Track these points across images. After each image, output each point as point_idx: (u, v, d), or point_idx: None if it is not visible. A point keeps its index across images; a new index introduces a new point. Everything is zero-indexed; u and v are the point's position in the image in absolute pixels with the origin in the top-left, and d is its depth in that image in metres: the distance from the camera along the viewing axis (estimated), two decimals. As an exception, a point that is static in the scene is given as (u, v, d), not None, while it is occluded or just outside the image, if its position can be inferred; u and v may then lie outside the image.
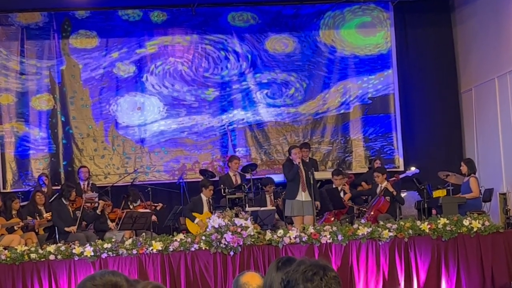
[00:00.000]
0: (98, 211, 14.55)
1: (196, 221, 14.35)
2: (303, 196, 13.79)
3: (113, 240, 12.40)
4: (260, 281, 4.56)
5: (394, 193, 14.76)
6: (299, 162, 13.89)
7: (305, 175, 13.84)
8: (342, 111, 18.36)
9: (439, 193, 15.10)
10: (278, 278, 3.73)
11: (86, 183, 16.25)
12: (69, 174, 17.40)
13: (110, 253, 12.10)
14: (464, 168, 14.85)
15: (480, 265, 12.58)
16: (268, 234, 12.43)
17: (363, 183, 16.90)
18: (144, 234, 13.19)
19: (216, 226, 12.23)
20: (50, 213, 14.27)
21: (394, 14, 18.53)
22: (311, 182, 13.69)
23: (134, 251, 12.12)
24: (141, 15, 17.97)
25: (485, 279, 12.54)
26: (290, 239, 12.34)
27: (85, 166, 16.75)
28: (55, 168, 17.47)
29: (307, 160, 16.00)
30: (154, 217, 14.82)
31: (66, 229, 13.73)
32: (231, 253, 12.16)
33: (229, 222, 12.23)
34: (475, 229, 12.62)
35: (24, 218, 14.14)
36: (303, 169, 13.91)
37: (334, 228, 12.52)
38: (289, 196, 13.98)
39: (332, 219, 14.30)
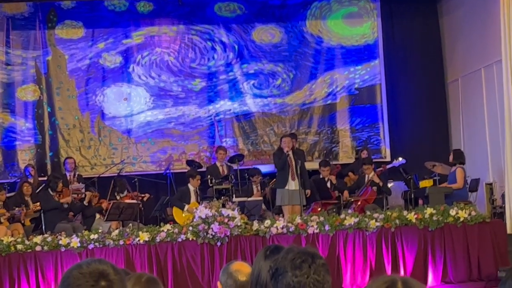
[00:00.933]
0: (85, 202, 14.52)
1: (185, 208, 14.33)
2: (292, 185, 13.95)
3: (99, 230, 12.38)
4: (249, 270, 4.55)
5: (381, 184, 14.79)
6: (287, 151, 13.98)
7: (294, 164, 13.93)
8: (329, 102, 18.36)
9: (425, 183, 15.14)
10: (266, 266, 3.71)
11: (72, 174, 16.19)
12: (55, 165, 17.35)
13: (96, 244, 12.08)
14: (451, 157, 14.89)
15: (466, 254, 12.62)
16: (255, 225, 12.44)
17: (350, 173, 16.93)
18: (131, 224, 13.18)
19: (203, 216, 12.23)
20: (37, 203, 14.22)
21: (381, 4, 18.52)
22: (300, 171, 13.81)
23: (121, 242, 12.11)
24: (127, 5, 17.90)
25: (471, 269, 12.58)
26: (277, 229, 12.35)
27: (71, 157, 16.69)
28: (41, 159, 17.40)
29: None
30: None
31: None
32: (218, 243, 12.16)
33: (216, 213, 12.23)
34: (461, 219, 12.66)
35: (10, 209, 14.08)
36: (293, 158, 13.98)
37: (321, 218, 12.53)
38: (279, 185, 14.19)
39: (319, 209, 14.31)
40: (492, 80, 16.22)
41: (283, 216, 13.78)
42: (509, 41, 14.23)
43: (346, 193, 15.31)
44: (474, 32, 17.01)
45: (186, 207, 14.29)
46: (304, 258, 3.34)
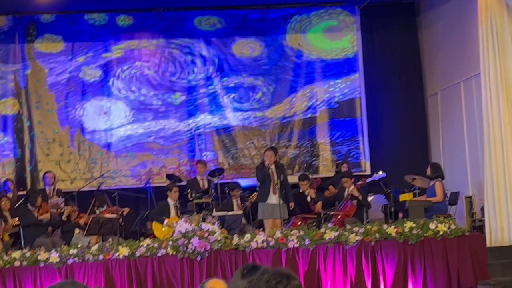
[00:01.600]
0: (64, 217, 14.45)
1: (165, 223, 14.29)
2: (273, 199, 13.97)
3: (79, 245, 12.31)
4: (224, 287, 4.55)
5: (360, 197, 14.81)
6: (268, 164, 14.00)
7: (276, 178, 13.95)
8: (309, 115, 18.39)
9: (405, 197, 15.18)
10: (243, 285, 3.71)
11: (51, 188, 16.11)
12: (34, 179, 17.27)
13: (76, 259, 12.00)
14: (429, 170, 14.94)
15: (446, 268, 12.64)
16: (235, 239, 12.41)
17: (330, 186, 16.94)
18: (110, 239, 13.12)
19: (183, 231, 12.19)
20: (16, 218, 14.13)
21: (361, 18, 18.60)
22: (283, 185, 13.87)
23: (101, 257, 12.03)
24: (107, 19, 17.88)
25: (451, 282, 12.60)
26: (257, 243, 12.32)
27: (50, 171, 16.59)
28: (21, 173, 17.32)
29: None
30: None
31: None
32: (198, 258, 12.12)
33: (196, 227, 12.20)
34: (441, 233, 12.68)
35: (-12, 224, 14.00)
36: (275, 172, 14.00)
37: (301, 232, 12.52)
38: (260, 199, 14.21)
39: (299, 223, 14.31)
40: (471, 94, 16.31)
41: (263, 230, 13.76)
42: (488, 55, 14.31)
43: (319, 204, 15.31)
44: (453, 46, 17.10)
45: (166, 221, 14.24)
46: (279, 279, 3.34)
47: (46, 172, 16.56)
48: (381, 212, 15.90)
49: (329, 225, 13.15)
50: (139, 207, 16.48)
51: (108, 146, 17.75)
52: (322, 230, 12.68)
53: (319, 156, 18.32)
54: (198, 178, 16.43)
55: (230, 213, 14.69)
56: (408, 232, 12.64)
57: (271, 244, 12.37)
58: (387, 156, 18.11)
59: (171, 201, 14.81)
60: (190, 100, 18.06)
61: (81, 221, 14.73)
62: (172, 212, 14.69)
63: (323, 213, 15.01)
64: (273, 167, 14.14)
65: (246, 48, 18.32)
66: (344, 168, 16.69)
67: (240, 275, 4.04)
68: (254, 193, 15.25)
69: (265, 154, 14.39)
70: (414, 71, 18.69)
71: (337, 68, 18.50)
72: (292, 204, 14.31)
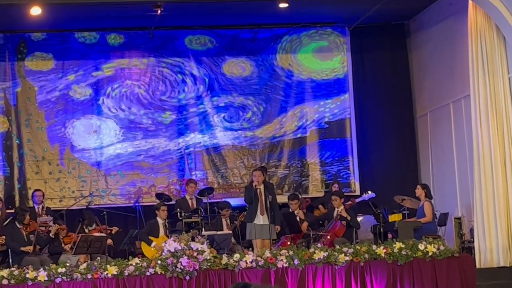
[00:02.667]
0: (51, 234, 14.38)
1: (152, 244, 14.25)
2: (261, 219, 13.90)
3: (67, 264, 12.26)
4: None
5: (349, 218, 14.80)
6: (255, 185, 13.95)
7: (264, 199, 13.89)
8: (299, 135, 18.41)
9: (395, 217, 15.18)
10: None
11: (40, 206, 16.05)
12: (23, 197, 17.20)
13: (64, 277, 11.94)
14: (419, 191, 14.95)
15: (435, 289, 12.65)
16: (224, 258, 12.38)
17: (320, 206, 16.95)
18: (99, 258, 13.07)
19: (172, 250, 12.16)
20: (3, 237, 14.07)
21: (351, 38, 18.66)
22: (269, 206, 13.80)
23: (89, 276, 11.98)
24: (98, 37, 17.89)
25: (440, 303, 12.60)
26: (247, 263, 12.30)
27: (39, 190, 16.52)
28: (9, 191, 17.25)
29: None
30: (109, 241, 14.67)
31: (23, 248, 13.57)
32: (187, 277, 12.09)
33: (185, 246, 12.17)
34: (430, 254, 12.69)
35: (-24, 242, 13.93)
36: (263, 193, 13.95)
37: (291, 252, 12.50)
38: (248, 219, 14.16)
39: (289, 243, 14.28)
40: (461, 115, 16.36)
41: (252, 250, 13.73)
42: (477, 76, 14.38)
43: (305, 225, 15.28)
44: (443, 67, 17.17)
45: (153, 244, 14.18)
46: (270, 298, 3.33)
47: (35, 191, 16.50)
48: (370, 233, 15.88)
49: (319, 245, 13.13)
50: (128, 226, 16.42)
51: (98, 164, 17.71)
52: (312, 250, 12.68)
53: (309, 176, 18.31)
54: (187, 197, 16.41)
55: (219, 232, 14.65)
56: (397, 253, 12.65)
57: (260, 263, 12.34)
58: (377, 176, 18.13)
59: (160, 220, 14.81)
60: (180, 119, 18.05)
61: (69, 242, 14.65)
62: (161, 231, 14.67)
63: (312, 233, 14.98)
64: (261, 187, 14.07)
65: (237, 67, 18.34)
66: (335, 188, 16.70)
67: None
68: (244, 213, 15.20)
69: (253, 175, 14.31)
70: (404, 92, 18.74)
71: (327, 88, 18.53)
72: (278, 227, 14.20)
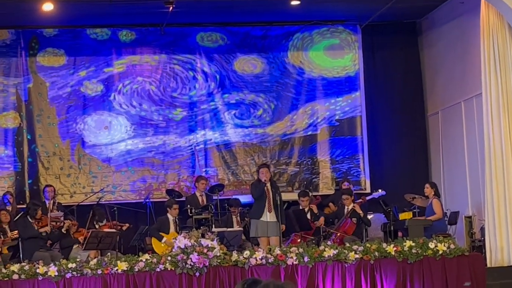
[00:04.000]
0: (63, 230, 14.43)
1: (163, 240, 14.28)
2: (268, 216, 13.79)
3: (77, 259, 12.29)
4: None
5: (362, 214, 14.78)
6: (265, 181, 13.89)
7: (272, 196, 13.83)
8: (309, 133, 18.40)
9: (405, 216, 15.17)
10: None
11: (51, 202, 16.08)
12: (34, 193, 17.24)
13: (74, 273, 11.97)
14: (428, 190, 14.94)
15: (445, 287, 12.61)
16: (234, 255, 12.38)
17: (330, 204, 16.94)
18: (109, 254, 13.08)
19: (182, 246, 12.17)
20: (15, 232, 14.11)
21: (362, 36, 18.63)
22: (278, 203, 13.72)
23: (99, 271, 12.00)
24: (110, 34, 17.92)
25: (450, 302, 12.58)
26: (256, 260, 12.30)
27: (50, 185, 16.57)
28: (20, 186, 17.30)
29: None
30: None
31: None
32: (197, 274, 12.09)
33: (195, 243, 12.17)
34: (440, 252, 12.67)
35: (-13, 237, 13.97)
36: (271, 190, 13.90)
37: (301, 250, 12.49)
38: (254, 216, 13.95)
39: (299, 240, 14.28)
40: (472, 113, 16.32)
41: (261, 247, 13.71)
42: (489, 75, 14.32)
43: (322, 219, 15.24)
44: (454, 65, 17.13)
45: (164, 239, 14.20)
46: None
47: (46, 186, 16.55)
48: (380, 231, 15.88)
49: (329, 242, 13.12)
50: (138, 222, 16.45)
51: (109, 160, 17.74)
52: (322, 247, 12.66)
53: (319, 174, 18.31)
54: (197, 194, 16.42)
55: (229, 229, 14.64)
56: (407, 251, 12.62)
57: (270, 261, 12.34)
58: (387, 174, 18.10)
59: (170, 217, 14.82)
60: (191, 116, 18.07)
61: (80, 237, 14.70)
62: (172, 227, 14.68)
63: (323, 230, 14.97)
64: (268, 184, 14.01)
65: (248, 65, 18.34)
66: (345, 186, 16.68)
67: None
68: (252, 210, 15.18)
69: (260, 171, 14.17)
70: (415, 90, 18.71)
71: (338, 86, 18.52)
72: (283, 226, 14.08)
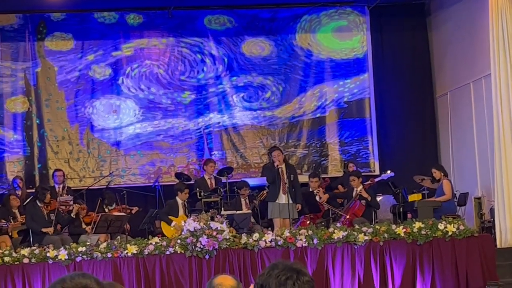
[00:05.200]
0: (72, 215, 14.47)
1: (172, 224, 14.30)
2: (283, 198, 13.93)
3: (87, 243, 12.33)
4: (232, 282, 4.57)
5: (369, 198, 14.77)
6: (277, 164, 13.97)
7: (286, 178, 13.93)
8: (318, 115, 18.38)
9: (414, 197, 15.16)
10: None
11: (61, 186, 16.12)
12: (43, 177, 17.28)
13: (84, 256, 12.02)
14: (437, 174, 14.90)
15: (455, 269, 12.61)
16: (244, 238, 12.40)
17: (339, 186, 16.94)
18: (119, 237, 13.12)
19: (192, 229, 12.19)
20: (24, 216, 14.16)
21: (370, 18, 18.58)
22: (293, 184, 13.87)
23: (109, 255, 12.05)
24: (117, 17, 17.90)
25: (459, 283, 12.58)
26: (266, 242, 12.32)
27: (60, 169, 16.61)
28: (30, 171, 17.35)
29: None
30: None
31: (44, 229, 13.65)
32: (207, 256, 12.12)
33: (204, 226, 12.19)
34: (450, 233, 12.66)
35: (-3, 221, 14.03)
36: (285, 172, 13.99)
37: (310, 232, 12.51)
38: (270, 198, 14.23)
39: (308, 222, 14.30)
40: (481, 94, 16.28)
41: (272, 229, 13.75)
42: (498, 56, 14.28)
43: (325, 196, 15.28)
44: (463, 46, 17.08)
45: (173, 223, 14.24)
46: (289, 274, 3.32)
47: (55, 170, 16.57)
48: (389, 213, 15.88)
49: (338, 224, 13.13)
50: (147, 205, 16.50)
51: (117, 144, 17.77)
52: (331, 229, 12.68)
53: (328, 156, 18.30)
54: (206, 177, 16.43)
55: (238, 212, 14.68)
56: (416, 233, 12.62)
57: (279, 243, 12.36)
58: (396, 156, 18.09)
59: (179, 200, 14.84)
60: (199, 99, 18.07)
61: (90, 219, 14.74)
62: (181, 211, 14.71)
63: (332, 212, 14.99)
64: (283, 166, 14.12)
65: (256, 47, 18.32)
66: (351, 167, 16.70)
67: None
68: (263, 192, 15.23)
69: (273, 155, 14.31)
70: (424, 71, 18.67)
71: (347, 68, 18.49)
72: (299, 206, 14.26)
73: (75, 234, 14.60)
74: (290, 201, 14.00)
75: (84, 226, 14.87)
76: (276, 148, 14.81)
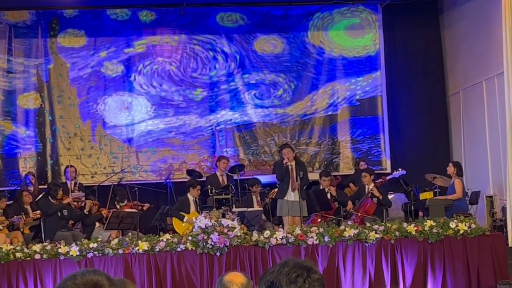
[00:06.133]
0: (85, 211, 14.52)
1: (185, 219, 14.33)
2: (292, 196, 13.96)
3: (99, 239, 12.35)
4: (243, 280, 4.57)
5: (380, 197, 14.75)
6: (286, 162, 13.99)
7: (296, 175, 13.95)
8: (330, 113, 18.37)
9: (426, 195, 15.13)
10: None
11: (73, 182, 16.16)
12: (55, 173, 17.34)
13: (96, 252, 12.04)
14: (451, 169, 14.86)
15: (466, 267, 12.58)
16: (255, 235, 12.39)
17: (350, 184, 16.93)
18: (130, 234, 13.15)
19: (203, 226, 12.20)
20: (37, 212, 14.21)
21: (383, 16, 18.55)
22: (301, 182, 13.90)
23: (120, 251, 12.06)
24: (130, 14, 17.93)
25: (471, 282, 12.54)
26: (277, 240, 12.31)
27: (72, 166, 16.64)
28: (42, 167, 17.41)
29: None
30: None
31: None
32: (218, 253, 12.12)
33: (215, 223, 12.20)
34: (461, 232, 12.62)
35: (10, 217, 14.07)
36: (295, 169, 14.00)
37: (321, 230, 12.49)
38: (279, 195, 14.27)
39: (319, 220, 14.29)
40: (493, 93, 16.24)
41: (283, 226, 13.76)
42: (511, 54, 14.23)
43: (350, 204, 15.24)
44: (476, 44, 17.03)
45: (186, 218, 14.27)
46: (300, 272, 3.32)
47: (67, 167, 16.61)
48: (401, 211, 15.86)
49: (349, 222, 13.12)
50: (159, 202, 16.53)
51: (129, 141, 17.80)
52: (342, 227, 12.66)
53: (340, 154, 18.29)
54: (218, 174, 16.45)
55: (249, 209, 14.68)
56: (428, 231, 12.59)
57: (290, 240, 12.35)
58: (408, 154, 18.07)
59: (190, 197, 14.85)
60: (211, 96, 18.08)
61: (103, 214, 14.80)
62: (192, 207, 14.72)
63: (343, 210, 14.97)
64: (293, 163, 14.15)
65: (268, 44, 18.32)
66: (362, 165, 16.68)
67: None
68: (274, 190, 15.24)
69: (282, 152, 14.36)
70: (436, 69, 18.63)
71: (359, 66, 18.47)
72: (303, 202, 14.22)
73: (90, 224, 14.66)
74: (299, 199, 13.99)
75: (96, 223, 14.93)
76: (286, 146, 14.84)
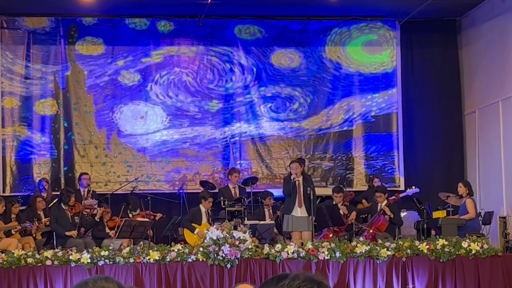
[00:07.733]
0: (96, 218, 14.54)
1: (196, 231, 14.33)
2: (298, 211, 13.87)
3: (110, 248, 12.36)
4: None
5: (392, 216, 14.73)
6: (294, 178, 13.91)
7: (302, 191, 13.85)
8: (345, 128, 18.35)
9: (439, 214, 15.08)
10: None
11: (86, 190, 16.20)
12: (69, 180, 17.38)
13: (107, 260, 12.05)
14: (462, 189, 14.83)
15: (477, 287, 12.53)
16: (266, 248, 12.38)
17: (363, 200, 16.89)
18: (142, 243, 13.16)
19: (214, 238, 12.20)
20: (49, 218, 14.25)
21: (401, 33, 18.54)
22: (311, 198, 13.75)
23: (131, 260, 12.08)
24: (148, 24, 17.99)
25: (481, 302, 12.50)
26: (288, 254, 12.30)
27: (87, 173, 16.68)
28: (56, 173, 17.46)
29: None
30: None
31: (67, 233, 13.74)
32: (228, 265, 12.12)
33: (227, 235, 12.20)
34: (473, 252, 12.58)
35: (22, 222, 14.10)
36: (302, 185, 13.91)
37: (332, 245, 12.47)
38: (285, 211, 14.13)
39: (331, 235, 14.26)
40: (510, 113, 16.20)
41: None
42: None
43: (354, 214, 15.24)
44: (493, 64, 16.99)
45: (197, 230, 14.26)
46: (310, 286, 3.31)
47: (82, 174, 16.66)
48: (413, 228, 15.81)
49: (361, 238, 13.09)
50: (171, 212, 16.54)
51: (144, 150, 17.83)
52: (354, 243, 12.63)
53: (354, 170, 18.26)
54: (230, 186, 16.45)
55: (261, 222, 14.67)
56: (440, 250, 12.55)
57: (301, 255, 12.33)
58: (422, 172, 18.02)
59: (203, 208, 14.85)
60: (226, 108, 18.10)
61: (113, 224, 14.80)
62: (204, 219, 14.72)
63: (355, 226, 14.94)
64: (300, 179, 14.04)
65: (285, 58, 18.33)
66: (376, 182, 16.64)
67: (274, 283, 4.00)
68: (286, 204, 15.21)
69: (291, 167, 14.25)
70: (453, 88, 18.59)
71: (375, 82, 18.45)
72: (313, 218, 14.12)
73: (99, 238, 14.66)
74: (306, 214, 13.89)
75: (107, 230, 14.91)
76: (295, 161, 14.70)
